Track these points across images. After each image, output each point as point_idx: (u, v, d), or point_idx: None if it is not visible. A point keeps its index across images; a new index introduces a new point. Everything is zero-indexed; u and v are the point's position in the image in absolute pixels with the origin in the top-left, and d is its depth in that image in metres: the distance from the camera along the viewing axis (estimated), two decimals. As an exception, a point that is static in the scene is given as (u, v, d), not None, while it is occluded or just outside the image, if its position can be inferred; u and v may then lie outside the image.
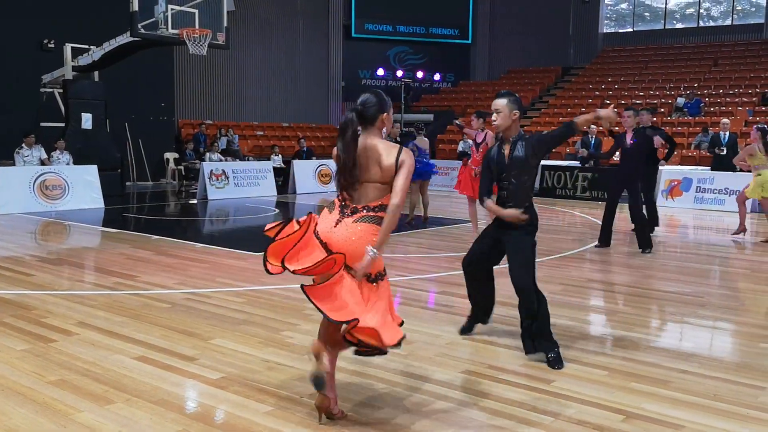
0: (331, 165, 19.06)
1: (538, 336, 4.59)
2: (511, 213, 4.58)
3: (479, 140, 9.98)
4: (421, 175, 11.34)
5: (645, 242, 9.18)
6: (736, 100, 21.68)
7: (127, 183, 18.62)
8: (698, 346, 5.29)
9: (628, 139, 9.08)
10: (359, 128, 3.59)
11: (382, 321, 3.42)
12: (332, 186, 18.48)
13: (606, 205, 9.50)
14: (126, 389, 4.01)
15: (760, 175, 10.25)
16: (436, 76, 29.15)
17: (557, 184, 17.35)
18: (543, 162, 18.87)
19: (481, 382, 4.22)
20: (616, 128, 9.59)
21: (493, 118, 4.62)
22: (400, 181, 3.50)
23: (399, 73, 26.70)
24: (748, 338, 5.42)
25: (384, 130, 3.66)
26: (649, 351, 5.04)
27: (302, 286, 3.44)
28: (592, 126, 15.98)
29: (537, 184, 17.73)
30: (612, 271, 8.26)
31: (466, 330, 5.17)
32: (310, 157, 19.87)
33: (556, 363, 4.48)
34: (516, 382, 4.23)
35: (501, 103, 4.61)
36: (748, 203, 11.29)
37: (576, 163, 18.16)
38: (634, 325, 5.87)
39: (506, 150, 4.67)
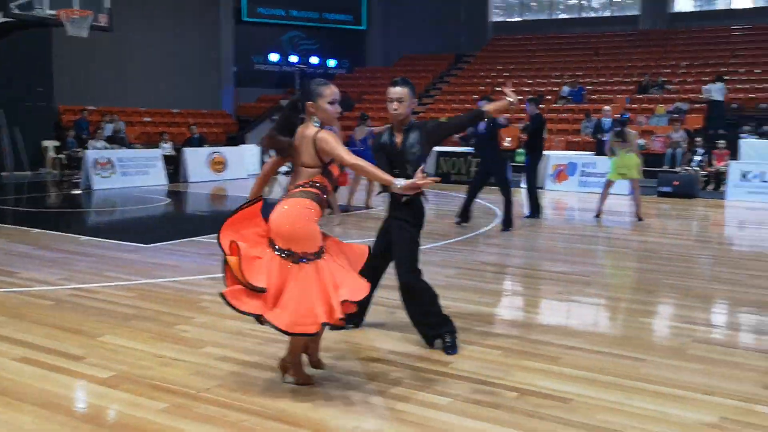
0: (224, 152, 18.64)
1: (433, 324, 4.61)
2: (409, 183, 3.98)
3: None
4: None
5: (508, 222, 9.84)
6: (616, 88, 22.83)
7: (2, 173, 17.47)
8: (584, 322, 5.56)
9: (481, 126, 9.65)
10: (299, 117, 3.82)
11: (290, 316, 3.52)
12: (226, 174, 18.08)
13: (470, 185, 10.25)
14: (6, 392, 3.77)
15: (615, 155, 10.94)
16: (331, 62, 29.01)
17: (452, 169, 17.70)
18: (438, 148, 19.22)
19: (379, 368, 4.25)
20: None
21: (394, 106, 4.48)
22: (337, 151, 3.68)
23: (293, 59, 26.39)
24: (629, 314, 5.75)
25: (315, 118, 3.80)
26: (540, 330, 5.24)
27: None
28: (606, 108, 16.27)
29: (432, 170, 18.04)
30: (504, 253, 8.53)
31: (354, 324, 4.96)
32: (202, 144, 19.31)
33: (451, 348, 4.55)
34: (415, 366, 4.28)
35: (403, 91, 4.49)
36: (624, 187, 12.02)
37: (470, 149, 18.60)
38: (526, 305, 6.10)
39: (398, 138, 4.56)
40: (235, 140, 23.35)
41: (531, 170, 11.44)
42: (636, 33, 26.76)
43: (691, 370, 4.32)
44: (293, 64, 25.78)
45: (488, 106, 4.77)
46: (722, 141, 16.50)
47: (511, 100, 4.64)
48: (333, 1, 29.67)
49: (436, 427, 3.44)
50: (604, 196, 11.33)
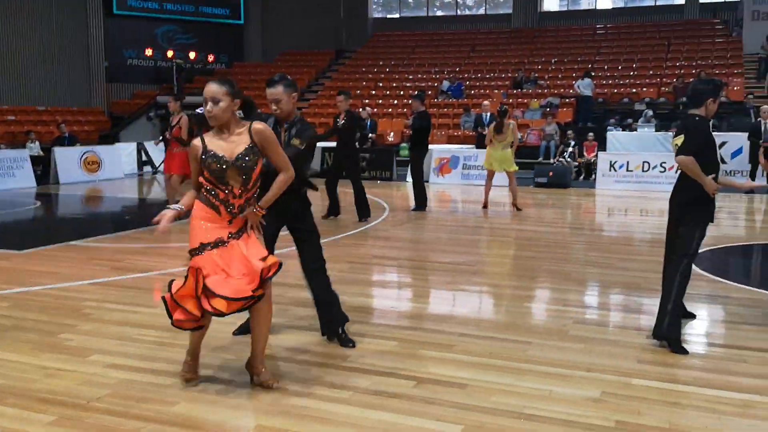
0: (98, 151, 17.78)
1: (333, 319, 4.66)
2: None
3: (173, 122, 10.30)
4: None
5: (363, 212, 10.22)
6: (492, 83, 23.68)
7: None
8: (473, 310, 5.77)
9: (340, 120, 10.08)
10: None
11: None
12: (101, 174, 17.27)
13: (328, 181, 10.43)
14: None
15: (493, 149, 11.42)
16: (210, 57, 28.28)
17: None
18: (323, 144, 19.20)
19: (277, 366, 4.23)
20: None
21: (274, 107, 4.39)
22: None
23: (170, 54, 25.52)
24: (514, 300, 6.01)
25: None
26: (432, 319, 5.39)
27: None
28: (485, 102, 16.38)
29: (317, 166, 18.01)
30: (393, 246, 8.67)
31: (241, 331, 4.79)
32: (74, 143, 18.34)
33: (347, 341, 4.60)
34: (314, 362, 4.30)
35: (278, 91, 4.37)
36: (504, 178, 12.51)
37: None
38: (417, 296, 6.24)
39: (282, 134, 4.44)
40: (108, 138, 22.31)
41: (416, 164, 11.69)
42: (509, 31, 27.86)
43: (574, 350, 4.59)
44: (170, 58, 24.91)
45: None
46: (591, 133, 17.51)
47: None
48: (209, -6, 28.94)
49: (339, 421, 3.47)
50: (487, 187, 11.75)
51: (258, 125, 3.76)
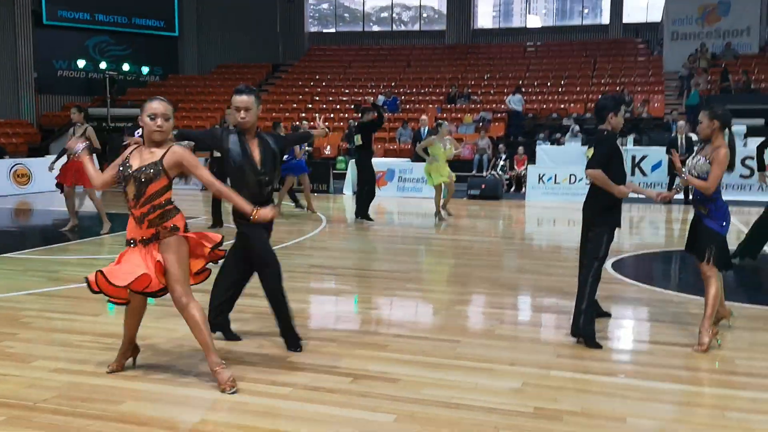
0: (27, 164, 17.43)
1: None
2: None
3: (78, 134, 10.19)
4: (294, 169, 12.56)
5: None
6: (427, 98, 24.24)
7: None
8: (407, 314, 6.07)
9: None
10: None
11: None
12: (31, 187, 16.94)
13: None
14: None
15: (427, 163, 11.84)
16: (144, 69, 27.98)
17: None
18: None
19: (231, 366, 4.41)
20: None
21: (242, 115, 4.48)
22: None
23: (102, 65, 25.16)
24: (445, 304, 6.34)
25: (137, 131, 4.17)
26: (368, 322, 5.66)
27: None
28: (423, 117, 16.56)
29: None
30: (331, 256, 8.91)
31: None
32: (2, 155, 17.93)
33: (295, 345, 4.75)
34: (256, 362, 4.49)
35: (250, 100, 4.51)
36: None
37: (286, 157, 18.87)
38: (354, 302, 6.49)
39: (253, 145, 4.57)
40: (38, 151, 21.82)
41: (366, 174, 12.01)
42: (443, 47, 28.56)
43: (499, 347, 4.93)
44: (103, 70, 24.55)
45: (315, 132, 5.40)
46: (521, 147, 18.17)
47: (322, 131, 5.44)
48: (143, 6, 28.64)
49: (281, 415, 3.69)
50: (437, 199, 12.04)
51: (177, 148, 3.97)
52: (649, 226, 12.33)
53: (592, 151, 5.03)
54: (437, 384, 4.17)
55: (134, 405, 3.78)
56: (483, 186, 15.95)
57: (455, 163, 17.18)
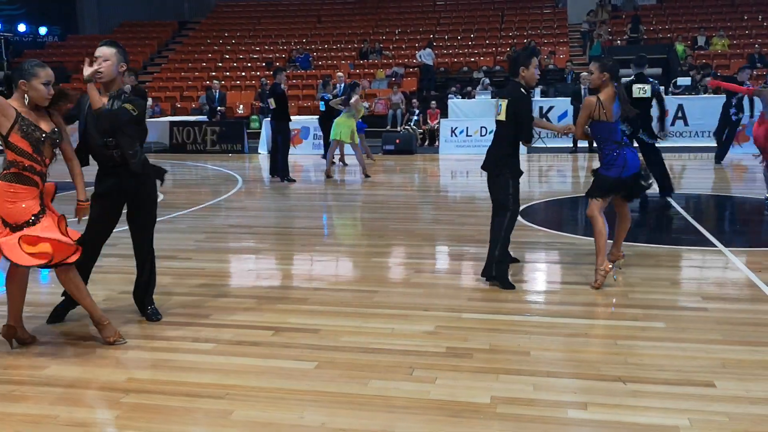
0: None
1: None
2: None
3: None
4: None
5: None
6: (340, 54, 24.12)
7: None
8: (326, 268, 6.24)
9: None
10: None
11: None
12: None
13: None
14: None
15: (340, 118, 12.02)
16: (41, 30, 26.56)
17: (187, 139, 17.54)
18: (170, 118, 18.88)
19: (146, 327, 4.49)
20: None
21: (98, 65, 4.21)
22: None
23: (-6, 26, 23.77)
24: (363, 256, 6.55)
25: (26, 96, 3.95)
26: (288, 278, 5.82)
27: None
28: (340, 74, 16.29)
29: (167, 141, 17.73)
30: (248, 215, 8.95)
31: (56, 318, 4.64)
32: None
33: (154, 315, 4.62)
34: (178, 322, 4.58)
35: (108, 51, 4.24)
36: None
37: (204, 118, 18.56)
38: (273, 259, 6.62)
39: (105, 101, 4.23)
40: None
41: (283, 135, 12.01)
42: (354, 2, 28.34)
43: (415, 294, 5.19)
44: (-4, 31, 23.21)
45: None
46: (433, 102, 18.45)
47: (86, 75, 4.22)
48: (37, -38, 27.06)
49: (204, 369, 3.82)
50: (331, 156, 12.22)
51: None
52: (556, 175, 12.90)
53: (505, 101, 5.22)
54: (356, 332, 4.39)
55: (59, 368, 3.83)
56: (397, 141, 16.19)
57: (369, 118, 17.33)
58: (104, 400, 3.48)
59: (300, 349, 4.09)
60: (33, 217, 3.90)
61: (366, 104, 12.27)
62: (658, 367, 3.81)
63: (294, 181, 11.73)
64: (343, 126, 11.94)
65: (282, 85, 12.06)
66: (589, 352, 4.07)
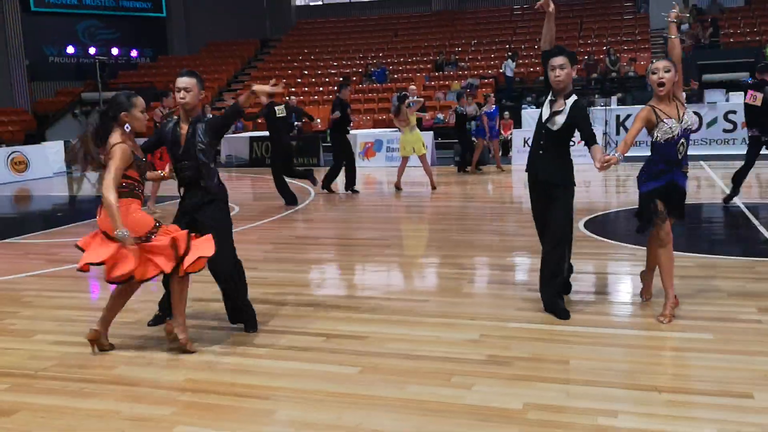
0: (24, 151, 17.77)
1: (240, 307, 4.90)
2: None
3: None
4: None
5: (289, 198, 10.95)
6: (415, 67, 24.41)
7: None
8: (381, 277, 6.45)
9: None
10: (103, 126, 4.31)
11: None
12: (28, 174, 17.29)
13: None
14: None
15: (403, 134, 12.15)
16: (133, 52, 28.13)
17: (266, 153, 18.16)
18: (251, 133, 19.60)
19: (206, 333, 4.82)
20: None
21: (181, 96, 4.49)
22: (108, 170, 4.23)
23: (92, 50, 25.32)
24: (417, 267, 6.74)
25: (126, 126, 4.38)
26: (343, 287, 6.06)
27: None
28: (412, 87, 16.65)
29: (246, 155, 18.44)
30: (315, 227, 9.29)
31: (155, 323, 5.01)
32: (-1, 144, 18.28)
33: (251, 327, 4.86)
34: (235, 328, 4.89)
35: (191, 81, 4.51)
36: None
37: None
38: (332, 269, 6.89)
39: (183, 130, 4.57)
40: (35, 138, 22.16)
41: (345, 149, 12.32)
42: (430, 14, 28.63)
43: (464, 303, 5.33)
44: (93, 55, 24.71)
45: (239, 99, 4.71)
46: (507, 112, 18.41)
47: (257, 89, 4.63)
48: (130, -12, 28.71)
49: (257, 372, 4.10)
50: (400, 170, 12.42)
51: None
52: (622, 185, 12.66)
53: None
54: (401, 339, 4.57)
55: (126, 369, 4.19)
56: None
57: (442, 130, 17.49)
58: (163, 398, 3.79)
59: (346, 355, 4.30)
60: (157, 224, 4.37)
61: (414, 98, 12.31)
62: (697, 377, 3.81)
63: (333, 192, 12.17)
64: (407, 142, 12.08)
65: (344, 99, 12.31)
66: (629, 362, 4.11)
